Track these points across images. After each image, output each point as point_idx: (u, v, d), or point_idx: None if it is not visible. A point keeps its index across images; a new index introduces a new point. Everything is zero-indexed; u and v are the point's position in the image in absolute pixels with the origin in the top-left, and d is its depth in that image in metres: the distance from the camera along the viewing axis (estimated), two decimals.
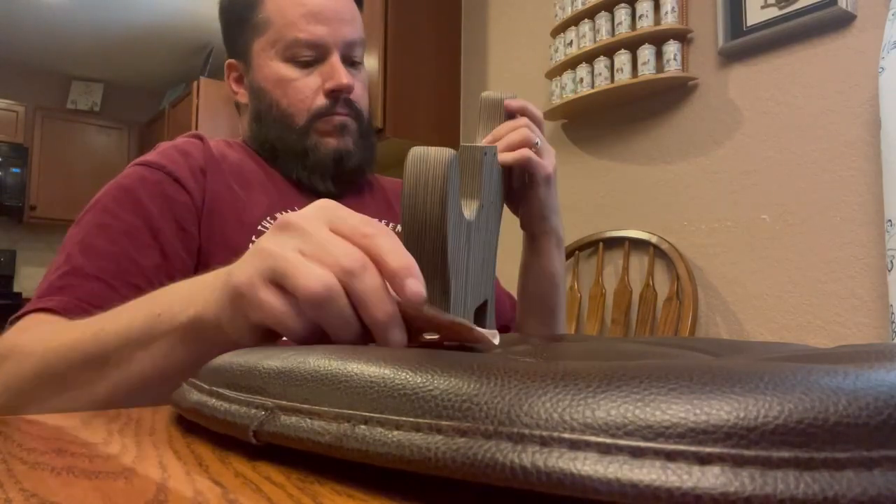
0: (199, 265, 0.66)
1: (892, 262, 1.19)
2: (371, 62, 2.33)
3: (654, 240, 1.71)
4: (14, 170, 4.13)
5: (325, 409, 0.22)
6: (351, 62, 0.76)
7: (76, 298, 0.57)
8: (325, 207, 0.36)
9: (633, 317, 1.73)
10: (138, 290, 0.59)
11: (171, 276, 0.62)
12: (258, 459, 0.24)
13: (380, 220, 0.80)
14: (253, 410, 0.25)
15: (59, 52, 4.32)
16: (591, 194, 1.96)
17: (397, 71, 2.30)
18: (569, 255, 1.89)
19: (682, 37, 1.68)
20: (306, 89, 0.73)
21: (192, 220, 0.66)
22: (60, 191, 4.14)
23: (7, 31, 4.00)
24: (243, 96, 0.79)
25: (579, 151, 2.01)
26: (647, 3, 1.70)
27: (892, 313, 1.19)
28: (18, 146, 4.18)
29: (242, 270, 0.35)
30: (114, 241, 0.61)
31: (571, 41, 1.90)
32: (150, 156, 0.69)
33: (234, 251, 0.65)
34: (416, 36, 2.38)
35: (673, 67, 1.66)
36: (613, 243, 1.84)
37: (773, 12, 1.48)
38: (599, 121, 1.95)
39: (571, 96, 1.87)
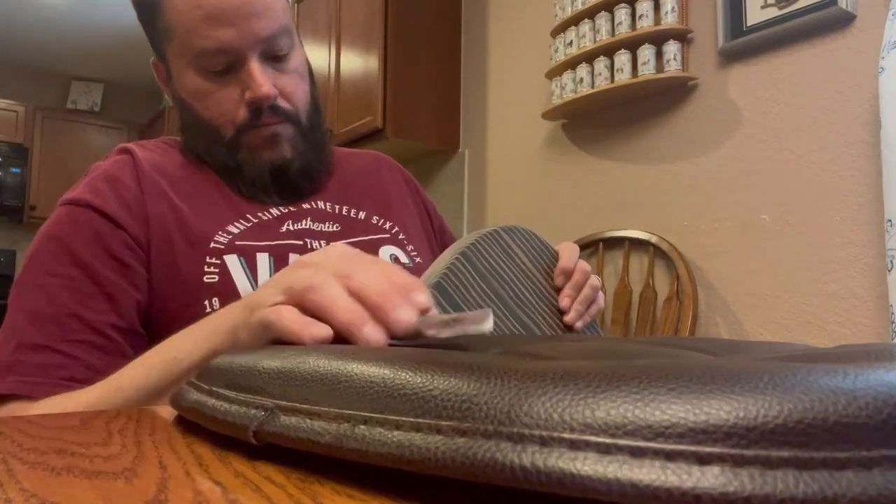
0: (152, 294, 0.61)
1: (892, 262, 1.19)
2: (371, 62, 2.33)
3: (654, 240, 1.71)
4: (14, 170, 4.13)
5: (325, 409, 0.22)
6: (275, 57, 0.67)
7: (28, 375, 0.54)
8: (339, 258, 0.41)
9: (633, 317, 1.73)
10: (90, 345, 0.57)
11: (122, 315, 0.59)
12: (258, 459, 0.24)
13: (338, 209, 0.74)
14: (253, 410, 0.25)
15: (59, 52, 4.32)
16: (591, 194, 1.96)
17: (397, 71, 2.30)
18: None
19: (682, 37, 1.68)
20: (227, 102, 0.66)
21: (131, 253, 0.60)
22: (60, 191, 4.10)
23: (7, 31, 4.00)
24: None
25: (579, 151, 2.01)
26: (647, 3, 1.70)
27: (892, 313, 1.19)
28: (18, 146, 4.18)
29: (267, 296, 0.41)
30: (53, 301, 0.57)
31: (571, 41, 1.90)
32: (76, 191, 0.63)
33: (185, 276, 0.60)
34: (416, 36, 2.38)
35: (673, 67, 1.66)
36: (613, 243, 1.84)
37: (773, 12, 1.48)
38: (599, 121, 1.95)
39: (571, 96, 1.87)
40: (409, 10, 2.36)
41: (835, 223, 1.39)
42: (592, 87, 1.82)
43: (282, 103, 0.68)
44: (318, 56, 2.64)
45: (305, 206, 0.72)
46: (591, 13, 1.84)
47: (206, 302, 0.59)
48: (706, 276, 1.63)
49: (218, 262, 0.61)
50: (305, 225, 0.70)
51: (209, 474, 0.22)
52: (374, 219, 0.75)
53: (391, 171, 0.85)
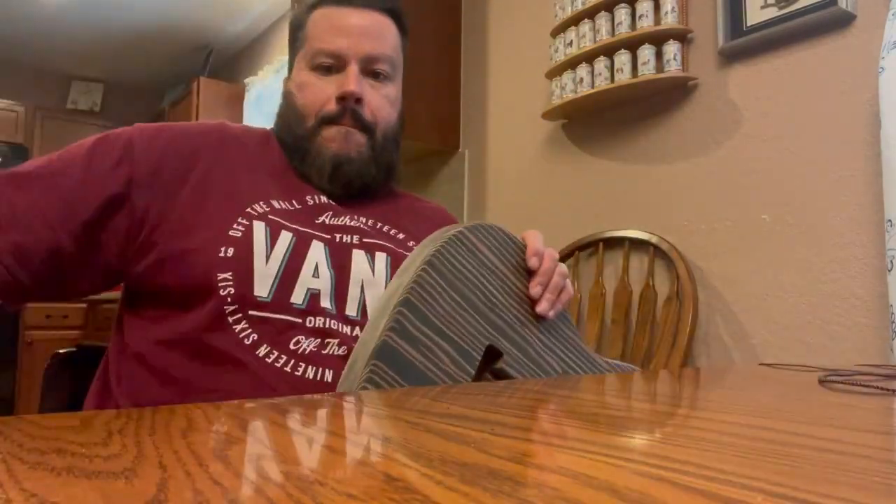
0: (163, 217, 0.67)
1: (892, 262, 1.19)
2: None
3: (654, 240, 1.71)
4: None
5: None
6: (374, 77, 0.79)
7: None
8: None
9: (633, 317, 1.73)
10: (29, 230, 0.63)
11: (57, 200, 0.64)
12: (258, 459, 0.24)
13: (380, 226, 0.79)
14: None
15: (59, 52, 4.32)
16: (591, 194, 1.96)
17: None
18: (569, 255, 1.89)
19: (682, 37, 1.68)
20: (321, 94, 0.77)
21: (115, 179, 0.67)
22: None
23: (7, 31, 4.00)
24: None
25: (579, 151, 2.01)
26: (647, 3, 1.70)
27: (892, 313, 1.19)
28: (18, 146, 4.18)
29: None
30: (22, 186, 0.65)
31: (571, 41, 1.90)
32: (155, 124, 0.75)
33: (212, 220, 0.67)
34: (417, 36, 2.37)
35: (673, 67, 1.66)
36: (613, 243, 1.84)
37: (773, 12, 1.48)
38: (599, 121, 1.95)
39: (571, 96, 1.87)
40: (408, 10, 2.35)
41: (835, 223, 1.39)
42: (592, 87, 1.82)
43: (365, 113, 0.77)
44: None
45: (350, 215, 0.78)
46: (591, 13, 1.84)
47: (222, 248, 0.65)
48: (706, 276, 1.63)
49: (247, 223, 0.68)
50: (342, 221, 0.75)
51: (209, 474, 0.22)
52: (411, 243, 0.80)
53: (444, 221, 0.90)
